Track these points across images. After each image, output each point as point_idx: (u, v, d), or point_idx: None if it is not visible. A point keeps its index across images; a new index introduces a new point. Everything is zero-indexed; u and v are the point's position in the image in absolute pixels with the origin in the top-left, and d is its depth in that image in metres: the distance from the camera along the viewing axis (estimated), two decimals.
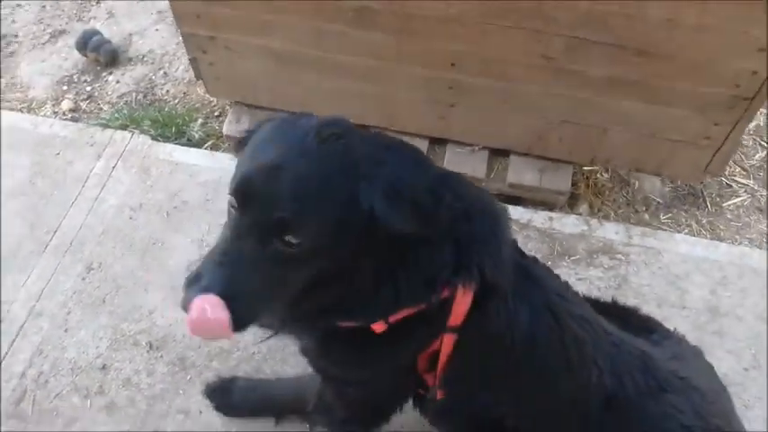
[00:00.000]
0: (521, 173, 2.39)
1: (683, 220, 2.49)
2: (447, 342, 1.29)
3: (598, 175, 2.50)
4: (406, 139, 2.36)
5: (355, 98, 2.36)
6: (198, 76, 2.51)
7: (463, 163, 2.42)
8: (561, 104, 2.18)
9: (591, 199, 2.48)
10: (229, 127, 2.52)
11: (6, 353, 2.02)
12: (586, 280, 2.20)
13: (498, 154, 2.45)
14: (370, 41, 2.11)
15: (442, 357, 1.31)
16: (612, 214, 2.47)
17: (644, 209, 2.50)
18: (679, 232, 2.41)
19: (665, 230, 2.41)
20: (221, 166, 2.46)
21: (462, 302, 1.22)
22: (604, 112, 2.17)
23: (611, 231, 2.33)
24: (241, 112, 2.53)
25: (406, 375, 1.43)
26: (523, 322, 1.28)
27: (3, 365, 2.00)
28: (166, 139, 2.60)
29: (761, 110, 2.44)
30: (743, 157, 2.65)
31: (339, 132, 1.12)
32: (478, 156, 2.43)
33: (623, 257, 2.26)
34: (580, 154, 2.35)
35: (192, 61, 2.42)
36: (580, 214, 2.43)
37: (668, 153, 2.23)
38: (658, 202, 2.53)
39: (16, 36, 3.01)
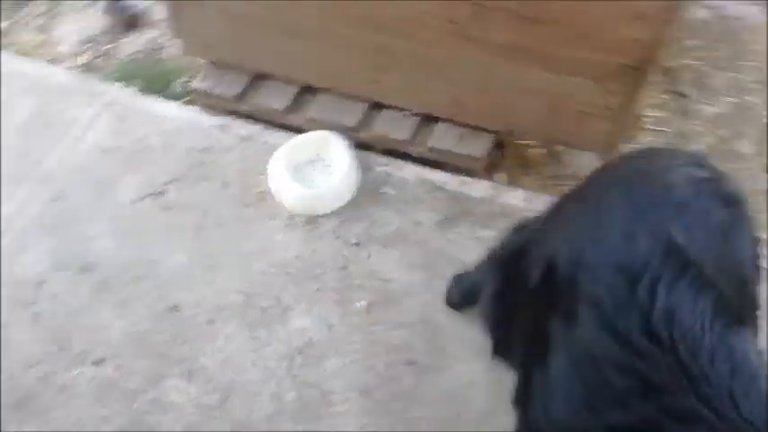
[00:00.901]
0: (441, 138, 2.46)
1: None
2: None
3: (530, 150, 2.47)
4: (347, 101, 2.53)
5: (303, 58, 2.52)
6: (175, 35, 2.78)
7: (394, 127, 2.52)
8: (472, 71, 2.22)
9: (514, 170, 2.47)
10: (197, 83, 2.77)
11: None
12: (482, 239, 2.22)
13: (429, 120, 2.51)
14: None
15: None
16: (532, 185, 2.45)
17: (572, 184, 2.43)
18: None
19: None
20: (187, 117, 2.78)
21: None
22: (511, 81, 2.19)
23: (518, 198, 2.36)
24: (209, 70, 2.77)
25: None
26: None
27: None
28: (152, 93, 2.91)
29: None
30: None
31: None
32: (409, 121, 2.51)
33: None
34: (496, 123, 2.37)
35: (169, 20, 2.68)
36: (495, 182, 2.45)
37: (576, 124, 2.21)
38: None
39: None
